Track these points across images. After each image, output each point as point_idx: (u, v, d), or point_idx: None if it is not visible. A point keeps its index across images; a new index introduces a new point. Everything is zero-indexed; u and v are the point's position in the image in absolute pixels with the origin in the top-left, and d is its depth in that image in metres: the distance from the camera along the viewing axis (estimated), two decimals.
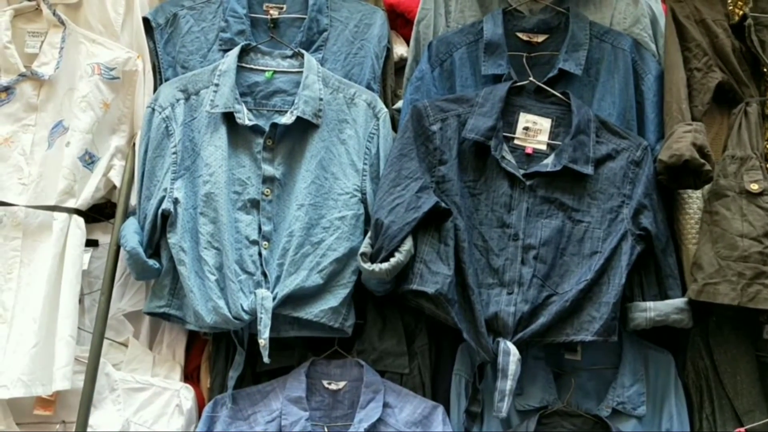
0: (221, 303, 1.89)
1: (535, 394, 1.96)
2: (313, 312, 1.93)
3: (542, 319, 1.88)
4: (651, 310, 1.91)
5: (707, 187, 1.97)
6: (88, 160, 2.06)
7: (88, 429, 1.84)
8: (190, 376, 2.08)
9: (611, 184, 1.98)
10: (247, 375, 2.02)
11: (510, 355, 1.84)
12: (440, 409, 1.95)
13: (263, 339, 1.85)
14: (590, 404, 1.99)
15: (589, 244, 1.95)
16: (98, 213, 2.11)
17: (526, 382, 1.96)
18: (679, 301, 1.91)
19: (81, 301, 2.03)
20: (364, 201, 2.01)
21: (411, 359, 2.03)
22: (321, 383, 2.01)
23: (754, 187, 1.92)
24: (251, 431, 1.93)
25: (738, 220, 1.89)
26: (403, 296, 1.96)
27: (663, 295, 1.93)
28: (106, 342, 1.96)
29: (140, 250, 1.91)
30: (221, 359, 2.03)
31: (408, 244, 1.89)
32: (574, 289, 1.89)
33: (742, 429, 1.91)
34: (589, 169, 1.96)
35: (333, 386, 2.00)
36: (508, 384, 1.83)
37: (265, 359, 1.86)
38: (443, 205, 1.93)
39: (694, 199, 2.02)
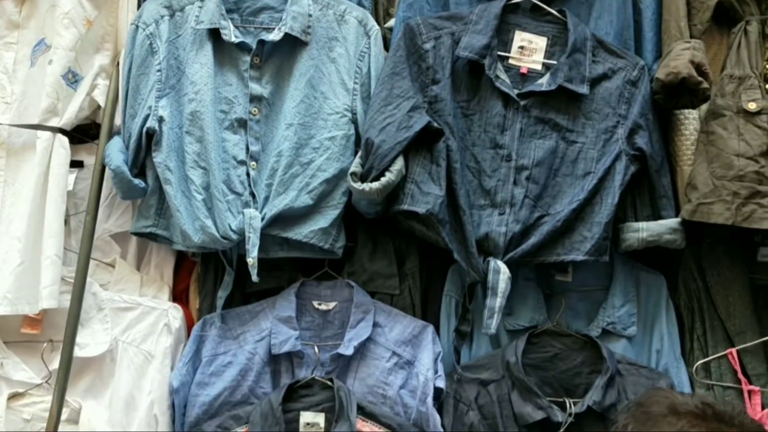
0: (209, 222, 1.87)
1: (524, 313, 1.96)
2: (302, 232, 1.91)
3: (533, 239, 1.87)
4: (643, 230, 1.89)
5: (704, 106, 1.94)
6: (72, 78, 2.00)
7: (76, 347, 1.83)
8: (178, 297, 2.07)
9: (606, 103, 1.94)
10: (236, 296, 2.01)
11: (500, 273, 1.82)
12: (430, 329, 1.95)
13: (252, 258, 1.83)
14: (580, 325, 1.98)
15: (582, 165, 1.92)
16: (83, 134, 2.07)
17: (515, 303, 1.96)
18: (672, 222, 1.89)
19: (67, 222, 2.00)
20: (354, 121, 1.96)
21: (401, 280, 2.02)
22: (311, 304, 2.00)
23: (752, 106, 1.88)
24: (240, 350, 1.93)
25: (734, 139, 1.86)
26: (394, 218, 1.94)
27: (656, 216, 1.91)
28: (93, 262, 1.95)
29: (125, 169, 1.88)
30: (210, 280, 2.02)
31: (399, 164, 1.86)
32: (566, 209, 1.87)
33: (733, 350, 1.91)
34: (584, 89, 1.92)
35: (323, 307, 2.00)
36: (498, 302, 1.82)
37: (254, 278, 1.84)
38: (435, 125, 1.89)
39: (690, 120, 1.98)
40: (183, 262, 2.10)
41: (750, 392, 1.88)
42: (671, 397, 1.08)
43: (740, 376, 1.89)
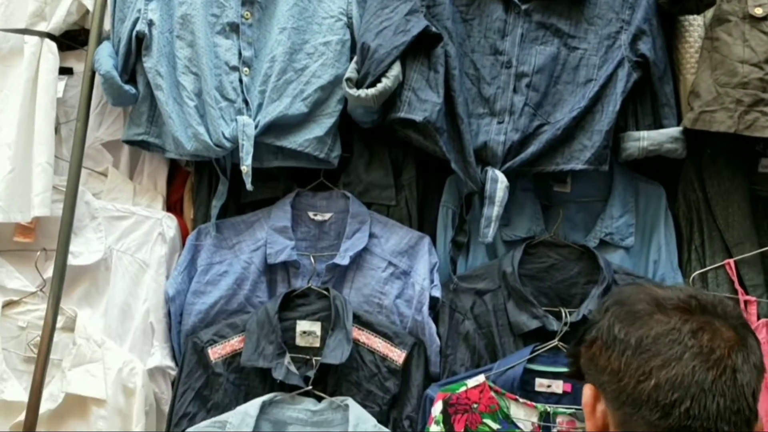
0: (201, 129, 1.83)
1: (522, 224, 1.94)
2: (297, 141, 1.87)
3: (532, 148, 1.84)
4: (644, 139, 1.86)
5: (709, 12, 1.88)
6: None
7: (70, 256, 1.81)
8: (172, 208, 2.05)
9: (610, 9, 1.89)
10: (230, 206, 1.99)
11: (498, 182, 1.80)
12: (426, 239, 1.93)
13: (246, 166, 1.80)
14: (578, 236, 1.97)
15: (584, 72, 1.88)
16: (72, 41, 2.02)
17: (513, 213, 1.94)
18: (673, 130, 1.86)
19: (57, 130, 1.97)
20: (350, 25, 1.91)
21: (398, 191, 2.00)
22: (306, 214, 1.98)
23: (758, 11, 1.82)
24: (236, 259, 1.92)
25: (739, 45, 1.81)
26: (391, 127, 1.91)
27: (657, 125, 1.88)
28: (85, 171, 1.92)
29: (115, 74, 1.83)
30: (204, 190, 2.00)
31: (396, 70, 1.81)
32: (567, 118, 1.83)
33: (731, 260, 1.90)
34: None
35: (319, 217, 1.98)
36: (495, 210, 1.80)
37: (248, 187, 1.82)
38: (433, 29, 1.84)
39: (695, 27, 1.93)
40: (176, 173, 2.07)
41: (746, 302, 1.88)
42: (652, 292, 1.04)
43: (737, 286, 1.89)
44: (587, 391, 1.04)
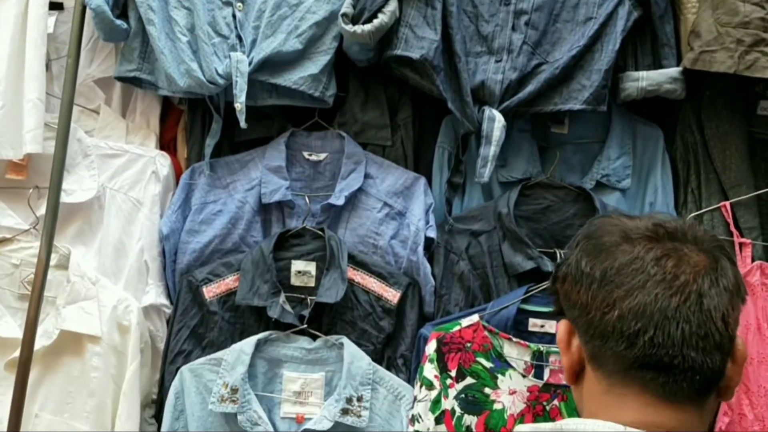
0: (194, 66, 1.80)
1: (518, 165, 1.93)
2: (291, 78, 1.85)
3: (530, 87, 1.82)
4: (643, 79, 1.84)
5: None
6: None
7: (63, 193, 1.80)
8: (166, 147, 2.02)
9: None
10: (224, 145, 1.97)
11: (495, 121, 1.78)
12: (422, 180, 1.92)
13: (240, 103, 1.78)
14: (574, 177, 1.96)
15: (583, 10, 1.85)
16: None
17: (510, 155, 1.92)
18: (673, 71, 1.84)
19: (48, 67, 1.94)
20: None
21: (394, 131, 1.98)
22: (301, 154, 1.96)
23: None
24: (230, 199, 1.90)
25: None
26: (387, 65, 1.88)
27: (657, 65, 1.86)
28: (76, 109, 1.90)
29: (106, 8, 1.80)
30: (197, 128, 1.97)
31: (393, 5, 1.78)
32: (566, 57, 1.81)
33: (727, 203, 1.90)
34: None
35: (314, 157, 1.96)
36: (492, 150, 1.79)
37: (242, 124, 1.80)
38: None
39: None
40: (169, 112, 2.05)
41: (741, 245, 1.88)
42: (621, 224, 1.01)
43: (732, 229, 1.88)
44: (561, 327, 1.03)
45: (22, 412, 1.66)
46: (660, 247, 0.95)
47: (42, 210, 1.81)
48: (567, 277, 1.01)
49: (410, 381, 1.82)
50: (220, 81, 1.80)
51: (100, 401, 1.79)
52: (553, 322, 1.83)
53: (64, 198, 1.81)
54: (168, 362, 1.85)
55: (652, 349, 0.91)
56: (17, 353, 1.70)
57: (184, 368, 1.80)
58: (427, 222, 1.90)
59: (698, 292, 0.92)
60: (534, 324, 1.83)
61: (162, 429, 1.79)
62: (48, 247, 1.75)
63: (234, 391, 1.75)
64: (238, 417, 1.74)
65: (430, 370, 1.75)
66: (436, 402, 1.73)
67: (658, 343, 0.91)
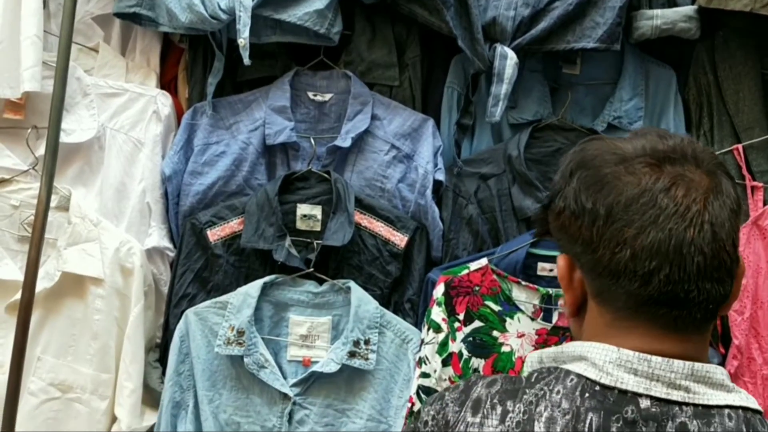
0: (196, 0, 1.74)
1: (529, 107, 1.89)
2: (296, 14, 1.79)
3: (543, 24, 1.77)
4: (658, 17, 1.79)
5: None
6: None
7: (62, 133, 1.75)
8: (166, 87, 1.97)
9: None
10: (227, 85, 1.92)
11: (507, 58, 1.74)
12: (430, 122, 1.88)
13: (243, 39, 1.73)
14: (585, 120, 1.93)
15: None
16: None
17: (520, 96, 1.89)
18: (688, 9, 1.80)
19: (46, 4, 1.89)
20: None
21: (401, 71, 1.93)
22: (306, 95, 1.92)
23: None
24: (233, 140, 1.86)
25: None
26: (394, 2, 1.83)
27: (671, 3, 1.81)
28: (75, 47, 1.83)
29: None
30: (199, 67, 1.92)
31: None
32: None
33: (740, 146, 1.87)
34: None
35: (319, 98, 1.92)
36: (503, 88, 1.75)
37: (246, 61, 1.75)
38: None
39: None
40: (169, 51, 1.99)
41: (753, 188, 1.86)
42: (616, 149, 0.95)
43: (744, 172, 1.86)
44: (562, 262, 0.99)
45: (25, 355, 1.63)
46: (666, 173, 0.90)
47: (41, 150, 1.76)
48: (564, 210, 0.96)
49: (417, 325, 1.80)
50: (223, 16, 1.74)
51: (103, 344, 1.77)
52: None
53: (64, 138, 1.76)
54: (172, 306, 1.82)
55: (668, 286, 0.89)
56: (18, 296, 1.67)
57: (189, 311, 1.77)
58: (436, 165, 1.86)
59: (710, 222, 0.89)
60: (543, 268, 1.81)
61: (167, 372, 1.77)
62: (48, 188, 1.70)
63: (240, 333, 1.73)
64: (245, 359, 1.72)
65: (437, 314, 1.73)
66: (444, 344, 1.71)
67: (674, 279, 0.89)
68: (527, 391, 0.93)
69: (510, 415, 0.92)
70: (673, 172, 0.91)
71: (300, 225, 1.84)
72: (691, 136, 0.98)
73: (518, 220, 1.84)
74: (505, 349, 1.73)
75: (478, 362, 1.73)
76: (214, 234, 1.82)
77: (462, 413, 0.96)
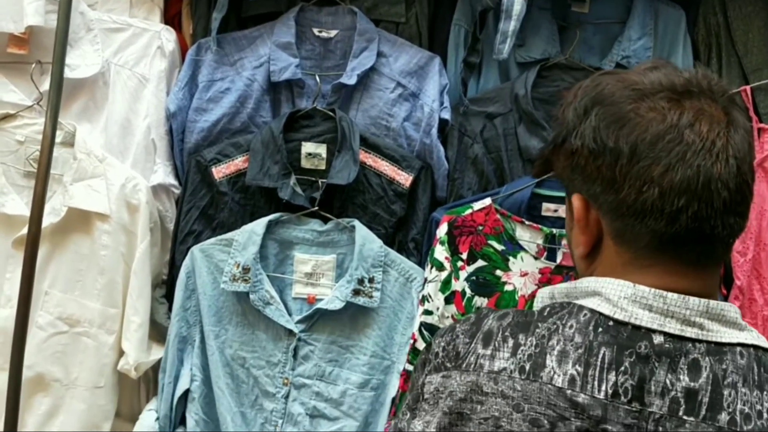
0: None
1: (537, 45, 1.87)
2: None
3: None
4: None
5: None
6: None
7: (66, 68, 1.73)
8: (170, 23, 1.94)
9: None
10: (231, 21, 1.90)
11: None
12: (437, 60, 1.87)
13: None
14: (594, 59, 1.91)
15: None
16: None
17: (528, 34, 1.86)
18: None
19: None
20: None
21: (408, 8, 1.90)
22: (311, 31, 1.90)
23: None
24: (238, 76, 1.85)
25: None
26: None
27: None
28: None
29: None
30: (203, 2, 1.90)
31: None
32: None
33: (748, 87, 1.85)
34: None
35: (324, 34, 1.90)
36: (512, 25, 1.73)
37: None
38: None
39: None
40: None
41: (760, 130, 1.85)
42: (632, 84, 0.92)
43: (752, 113, 1.84)
44: (578, 202, 0.97)
45: (32, 289, 1.63)
46: (686, 109, 0.90)
47: (45, 85, 1.74)
48: (580, 149, 0.95)
49: (421, 264, 1.81)
50: None
51: (110, 279, 1.78)
52: None
53: (68, 73, 1.74)
54: (178, 242, 1.83)
55: (695, 223, 0.89)
56: (25, 231, 1.67)
57: (195, 248, 1.78)
58: (442, 103, 1.85)
59: (734, 156, 0.89)
60: (547, 208, 1.81)
61: (173, 307, 1.79)
62: (53, 124, 1.69)
63: (246, 270, 1.74)
64: (250, 296, 1.73)
65: (440, 252, 1.74)
66: (446, 282, 1.73)
67: (702, 216, 0.89)
68: (539, 324, 0.94)
69: (522, 348, 0.93)
70: (694, 107, 0.90)
71: (305, 163, 1.84)
72: (704, 70, 0.95)
73: (524, 160, 1.83)
74: (508, 288, 1.74)
75: (481, 301, 1.74)
76: (219, 171, 1.81)
77: (473, 344, 0.96)
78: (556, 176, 1.06)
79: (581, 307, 0.94)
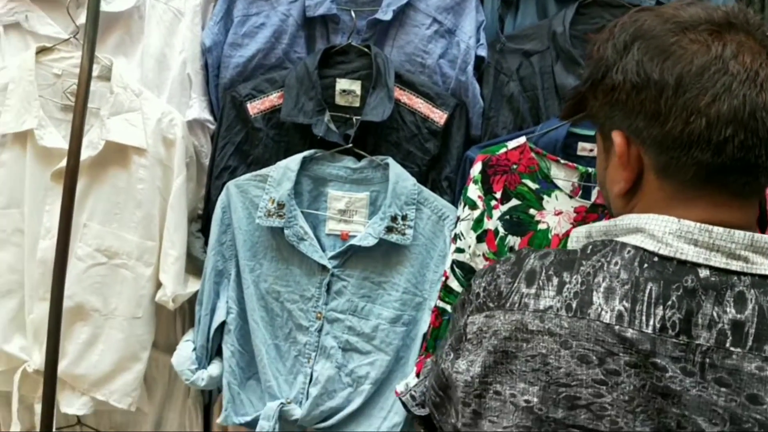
0: None
1: None
2: None
3: None
4: None
5: None
6: None
7: (102, 2, 1.71)
8: None
9: None
10: None
11: None
12: None
13: None
14: None
15: None
16: None
17: None
18: None
19: None
20: None
21: None
22: None
23: None
24: (273, 11, 1.83)
25: None
26: None
27: None
28: None
29: None
30: None
31: None
32: None
33: None
34: None
35: None
36: None
37: None
38: None
39: None
40: None
41: None
42: (672, 17, 0.91)
43: None
44: (619, 139, 0.96)
45: (72, 221, 1.66)
46: (728, 40, 0.89)
47: (82, 19, 1.74)
48: (622, 84, 0.94)
49: (454, 203, 1.82)
50: None
51: (147, 213, 1.80)
52: None
53: (104, 6, 1.74)
54: (213, 177, 1.85)
55: (741, 153, 0.89)
56: (63, 163, 1.69)
57: (230, 183, 1.80)
58: (478, 40, 1.83)
59: None
60: (583, 148, 1.80)
61: (209, 241, 1.81)
62: (90, 56, 1.69)
63: (280, 206, 1.75)
64: (285, 231, 1.75)
65: (474, 191, 1.74)
66: (479, 221, 1.73)
67: (748, 146, 0.88)
68: (584, 262, 0.94)
69: (567, 286, 0.93)
70: (735, 39, 0.90)
71: (339, 100, 1.83)
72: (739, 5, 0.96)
73: (560, 99, 1.81)
74: (541, 226, 1.74)
75: (513, 240, 1.75)
76: (254, 107, 1.82)
77: (516, 284, 0.97)
78: (587, 117, 1.06)
79: (624, 245, 0.94)
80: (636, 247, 0.93)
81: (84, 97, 1.65)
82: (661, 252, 0.91)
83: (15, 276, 1.81)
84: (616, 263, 0.93)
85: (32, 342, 1.80)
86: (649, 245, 0.92)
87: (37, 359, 1.78)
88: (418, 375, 1.66)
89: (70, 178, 1.66)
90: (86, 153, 1.73)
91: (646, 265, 0.91)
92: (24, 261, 1.80)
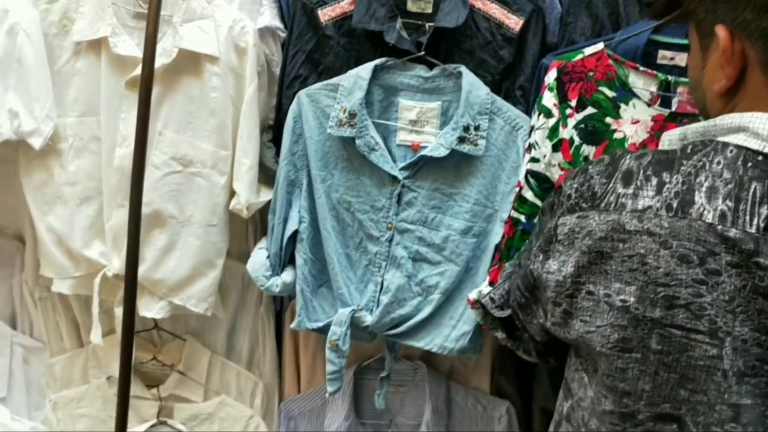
0: None
1: None
2: None
3: None
4: None
5: None
6: None
7: None
8: None
9: None
10: None
11: None
12: None
13: None
14: None
15: None
16: None
17: None
18: None
19: None
20: None
21: None
22: None
23: None
24: None
25: None
26: None
27: None
28: None
29: None
30: None
31: None
32: None
33: None
34: None
35: None
36: None
37: None
38: None
39: None
40: None
41: None
42: None
43: None
44: (723, 33, 0.94)
45: (148, 129, 1.67)
46: None
47: None
48: None
49: (528, 113, 1.78)
50: None
51: (220, 121, 1.81)
52: (684, 55, 1.73)
53: None
54: (284, 86, 1.84)
55: None
56: (137, 71, 1.70)
57: (302, 93, 1.79)
58: None
59: None
60: (663, 56, 1.74)
61: (281, 151, 1.82)
62: None
63: (352, 116, 1.74)
64: (356, 141, 1.74)
65: (549, 99, 1.69)
66: (554, 130, 1.69)
67: None
68: (684, 162, 0.92)
69: (667, 185, 0.92)
70: None
71: (411, 6, 1.79)
72: None
73: (641, 4, 1.74)
74: (617, 135, 1.70)
75: (588, 149, 1.71)
76: (325, 14, 1.79)
77: (611, 184, 0.95)
78: (683, 15, 1.02)
79: (726, 144, 0.92)
80: (739, 147, 0.90)
81: (157, 4, 1.64)
82: (766, 150, 0.89)
83: (93, 183, 1.84)
84: (718, 162, 0.90)
85: (111, 247, 1.84)
86: (753, 144, 0.90)
87: (116, 264, 1.83)
88: (491, 284, 1.66)
89: (145, 86, 1.66)
90: (160, 61, 1.72)
91: (750, 164, 0.89)
92: (101, 168, 1.83)
